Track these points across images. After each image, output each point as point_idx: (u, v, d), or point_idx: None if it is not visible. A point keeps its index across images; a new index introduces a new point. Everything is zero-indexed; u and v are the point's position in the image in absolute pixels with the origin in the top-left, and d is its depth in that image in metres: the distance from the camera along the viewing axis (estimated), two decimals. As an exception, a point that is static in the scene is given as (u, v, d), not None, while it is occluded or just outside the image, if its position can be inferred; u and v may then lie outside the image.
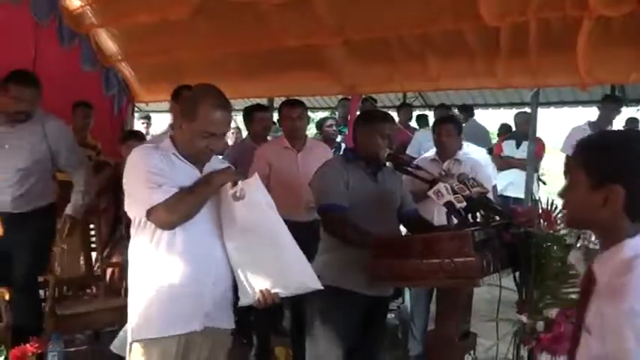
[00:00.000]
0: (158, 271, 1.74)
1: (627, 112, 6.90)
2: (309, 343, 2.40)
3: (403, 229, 2.61)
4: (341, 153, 2.50)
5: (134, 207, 1.75)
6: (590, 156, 1.11)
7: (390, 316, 3.41)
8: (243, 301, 1.79)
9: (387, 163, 2.33)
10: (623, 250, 1.07)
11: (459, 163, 3.20)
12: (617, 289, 1.02)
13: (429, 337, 1.99)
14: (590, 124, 4.74)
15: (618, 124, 5.29)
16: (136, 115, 5.95)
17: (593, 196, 1.08)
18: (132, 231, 1.81)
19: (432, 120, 6.33)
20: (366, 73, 3.70)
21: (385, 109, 7.04)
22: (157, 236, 1.73)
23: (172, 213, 1.68)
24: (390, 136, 2.33)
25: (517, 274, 1.91)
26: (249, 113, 3.84)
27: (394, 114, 6.65)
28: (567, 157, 1.03)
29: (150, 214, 1.68)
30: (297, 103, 3.31)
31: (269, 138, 3.87)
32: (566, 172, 1.20)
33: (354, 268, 2.16)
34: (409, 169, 2.30)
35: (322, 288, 1.78)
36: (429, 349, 1.99)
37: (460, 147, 3.28)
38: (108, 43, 4.52)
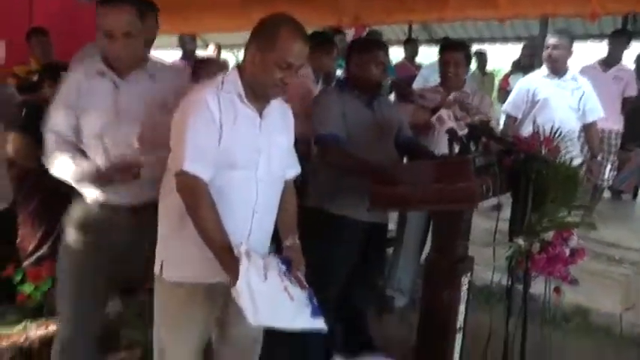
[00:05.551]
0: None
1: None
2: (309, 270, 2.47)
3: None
4: (334, 84, 2.47)
5: (173, 158, 1.64)
6: None
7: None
8: None
9: (389, 91, 2.33)
10: None
11: (467, 95, 2.91)
12: None
13: (428, 261, 2.05)
14: (600, 62, 4.65)
15: (628, 59, 5.19)
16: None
17: None
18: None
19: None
20: (370, 4, 3.62)
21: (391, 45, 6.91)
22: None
23: (189, 203, 1.58)
24: (384, 63, 2.31)
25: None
26: None
27: (400, 49, 6.57)
28: None
29: (179, 176, 1.59)
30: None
31: None
32: None
33: (353, 196, 2.21)
34: (412, 97, 2.30)
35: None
36: (427, 273, 2.05)
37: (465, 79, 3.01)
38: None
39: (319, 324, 1.61)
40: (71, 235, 1.96)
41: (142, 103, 1.88)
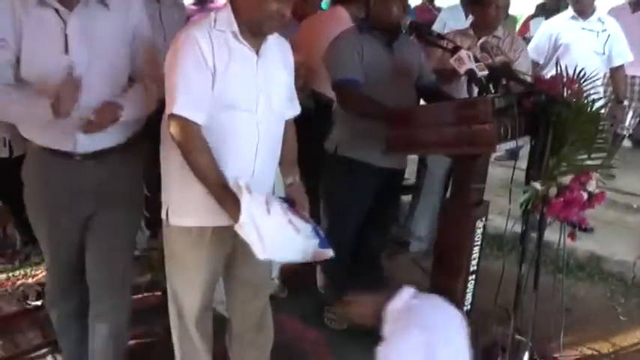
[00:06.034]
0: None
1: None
2: (322, 216, 2.49)
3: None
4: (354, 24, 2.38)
5: (167, 98, 1.58)
6: None
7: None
8: None
9: (407, 33, 2.25)
10: None
11: (498, 39, 2.74)
12: None
13: (444, 204, 2.05)
14: (630, 2, 4.44)
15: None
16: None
17: None
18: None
19: None
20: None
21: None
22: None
23: (181, 146, 1.54)
24: (405, 2, 2.23)
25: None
26: None
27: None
28: None
29: (170, 119, 1.54)
30: None
31: None
32: None
33: (370, 140, 2.18)
34: (431, 38, 2.22)
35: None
36: (442, 215, 2.06)
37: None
38: None
39: (328, 253, 1.59)
40: (29, 188, 1.79)
41: (96, 38, 1.63)
